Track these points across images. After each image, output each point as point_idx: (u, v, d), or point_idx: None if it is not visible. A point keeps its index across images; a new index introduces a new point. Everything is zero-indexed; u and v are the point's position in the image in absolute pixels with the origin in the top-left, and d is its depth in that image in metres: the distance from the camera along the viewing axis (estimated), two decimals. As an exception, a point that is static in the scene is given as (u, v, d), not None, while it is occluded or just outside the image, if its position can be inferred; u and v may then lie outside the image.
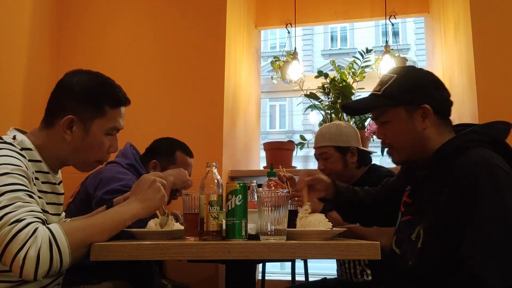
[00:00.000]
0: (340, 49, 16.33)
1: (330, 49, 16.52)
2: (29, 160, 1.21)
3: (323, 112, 3.06)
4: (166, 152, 2.08)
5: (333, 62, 3.32)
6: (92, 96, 1.29)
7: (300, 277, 2.61)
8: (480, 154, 1.21)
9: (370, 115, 1.50)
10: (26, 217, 1.04)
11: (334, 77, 3.08)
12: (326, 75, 3.10)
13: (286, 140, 3.21)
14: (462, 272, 1.11)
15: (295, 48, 3.40)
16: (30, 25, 2.58)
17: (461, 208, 1.16)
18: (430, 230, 1.24)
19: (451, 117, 1.39)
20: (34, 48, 2.62)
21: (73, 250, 1.07)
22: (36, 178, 1.22)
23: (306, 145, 3.11)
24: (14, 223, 1.02)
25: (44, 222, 1.08)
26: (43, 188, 1.26)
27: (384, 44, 3.26)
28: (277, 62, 3.40)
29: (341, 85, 2.99)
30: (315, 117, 3.34)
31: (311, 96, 3.09)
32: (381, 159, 3.05)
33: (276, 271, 3.56)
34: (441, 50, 3.07)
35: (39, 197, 1.20)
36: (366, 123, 2.92)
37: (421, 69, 1.45)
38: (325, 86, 3.06)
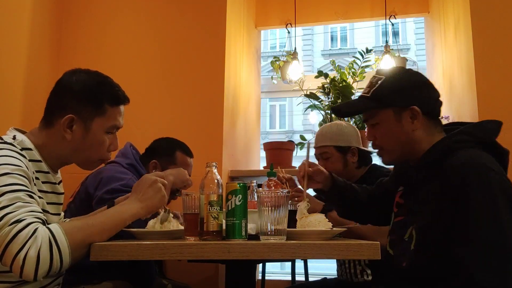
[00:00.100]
0: (340, 49, 16.33)
1: (330, 49, 16.53)
2: (30, 160, 1.21)
3: (323, 112, 3.06)
4: (166, 152, 2.08)
5: (333, 62, 3.32)
6: (91, 94, 1.29)
7: (300, 277, 2.61)
8: (468, 155, 1.21)
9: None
10: (26, 217, 1.04)
11: (334, 77, 3.08)
12: (326, 75, 3.10)
13: (286, 140, 3.21)
14: (458, 273, 1.11)
15: (295, 48, 3.40)
16: (30, 25, 2.58)
17: (452, 209, 1.16)
18: (422, 231, 1.25)
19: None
20: (34, 48, 2.62)
21: (73, 250, 1.07)
22: (37, 178, 1.22)
23: (306, 145, 3.11)
24: (14, 223, 1.02)
25: (44, 222, 1.08)
26: (44, 188, 1.26)
27: (384, 44, 3.26)
28: (277, 62, 3.40)
29: (341, 85, 2.99)
30: (315, 117, 3.34)
31: (311, 96, 3.09)
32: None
33: (276, 271, 3.57)
34: (441, 50, 3.07)
35: (40, 197, 1.20)
36: (366, 123, 2.91)
37: (409, 70, 1.45)
38: (325, 86, 3.06)
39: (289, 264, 2.60)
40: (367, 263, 1.87)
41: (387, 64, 3.13)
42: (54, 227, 1.07)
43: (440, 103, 1.39)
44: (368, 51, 3.14)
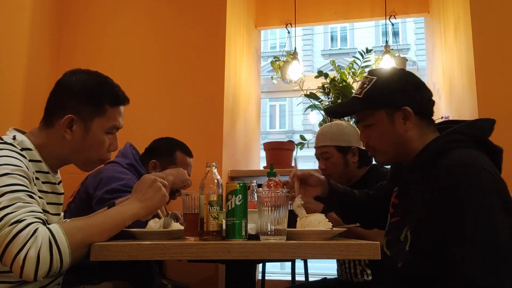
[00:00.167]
0: (340, 49, 16.33)
1: (330, 49, 16.53)
2: (30, 160, 1.21)
3: (323, 112, 3.06)
4: (166, 152, 2.09)
5: (333, 62, 3.32)
6: (91, 95, 1.29)
7: (300, 277, 2.61)
8: (460, 155, 1.20)
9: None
10: (26, 217, 1.04)
11: (334, 77, 3.08)
12: (326, 75, 3.10)
13: (286, 140, 3.21)
14: (453, 274, 1.11)
15: (295, 48, 3.40)
16: (30, 25, 2.58)
17: (445, 210, 1.16)
18: (417, 232, 1.25)
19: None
20: (34, 48, 2.62)
21: (73, 250, 1.07)
22: (37, 178, 1.22)
23: (306, 145, 3.11)
24: (14, 223, 1.02)
25: (45, 222, 1.08)
26: (44, 188, 1.26)
27: (384, 44, 3.26)
28: (277, 62, 3.40)
29: (341, 85, 2.99)
30: (315, 117, 3.34)
31: (311, 96, 3.09)
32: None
33: (276, 271, 3.57)
34: (441, 50, 3.07)
35: (40, 197, 1.20)
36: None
37: (401, 71, 1.45)
38: (325, 86, 3.06)
39: (289, 264, 2.60)
40: (367, 263, 1.87)
41: (387, 64, 3.13)
42: (54, 227, 1.07)
43: (433, 103, 1.39)
44: (368, 51, 3.14)
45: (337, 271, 2.03)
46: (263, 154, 3.23)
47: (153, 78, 2.83)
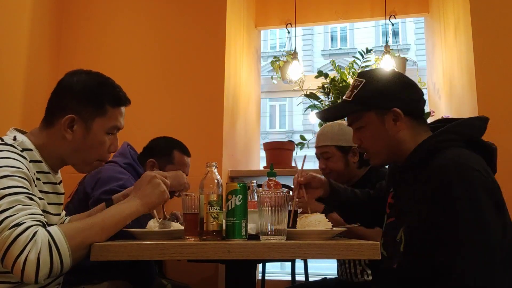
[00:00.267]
0: (340, 49, 16.34)
1: (330, 49, 16.53)
2: (30, 161, 1.20)
3: (323, 112, 3.05)
4: (164, 151, 2.08)
5: (333, 62, 3.32)
6: (92, 95, 1.29)
7: (300, 277, 2.61)
8: (453, 155, 1.20)
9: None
10: (25, 220, 1.04)
11: (334, 77, 3.08)
12: (326, 75, 3.10)
13: (286, 140, 3.21)
14: (444, 276, 1.10)
15: (295, 48, 3.40)
16: (30, 25, 2.58)
17: (436, 210, 1.16)
18: (410, 233, 1.25)
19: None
20: (34, 48, 2.62)
21: (74, 252, 1.07)
22: (38, 179, 1.22)
23: (306, 145, 3.11)
24: (14, 227, 1.02)
25: (45, 225, 1.08)
26: (45, 188, 1.26)
27: (384, 44, 3.26)
28: (277, 62, 3.40)
29: (341, 85, 2.99)
30: (315, 117, 3.34)
31: (311, 96, 3.09)
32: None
33: (276, 271, 3.57)
34: (441, 50, 3.07)
35: (41, 198, 1.20)
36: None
37: (390, 72, 1.45)
38: (325, 86, 3.06)
39: (289, 264, 2.60)
40: (367, 263, 1.87)
41: (387, 64, 3.13)
42: (54, 229, 1.06)
43: (424, 102, 1.39)
44: (368, 51, 3.14)
45: (337, 271, 2.03)
46: (263, 154, 3.23)
47: (153, 78, 2.83)
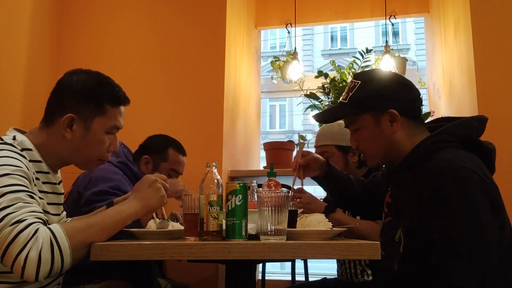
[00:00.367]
0: (340, 49, 16.34)
1: (330, 49, 16.53)
2: (30, 161, 1.20)
3: (323, 112, 3.05)
4: (159, 148, 2.08)
5: (333, 62, 3.32)
6: (91, 94, 1.29)
7: (300, 277, 2.61)
8: (448, 156, 1.19)
9: None
10: (27, 217, 1.04)
11: (334, 77, 3.08)
12: (326, 75, 3.10)
13: (286, 140, 3.21)
14: (441, 279, 1.10)
15: (295, 48, 3.40)
16: (30, 25, 2.58)
17: (432, 212, 1.15)
18: (409, 233, 1.25)
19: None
20: (34, 48, 2.62)
21: (74, 251, 1.07)
22: (37, 179, 1.22)
23: (306, 145, 3.11)
24: (15, 223, 1.01)
25: (45, 223, 1.08)
26: (44, 188, 1.26)
27: (384, 44, 3.26)
28: (277, 62, 3.40)
29: (341, 85, 2.99)
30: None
31: (311, 96, 3.09)
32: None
33: (276, 271, 3.57)
34: (441, 50, 3.07)
35: (40, 198, 1.20)
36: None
37: (385, 73, 1.45)
38: (325, 86, 3.06)
39: (289, 264, 2.60)
40: (368, 263, 1.87)
41: (387, 64, 3.13)
42: (55, 227, 1.07)
43: (420, 102, 1.38)
44: (368, 51, 3.14)
45: (337, 271, 2.03)
46: (263, 154, 3.23)
47: (153, 78, 2.83)
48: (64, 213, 1.45)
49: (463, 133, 1.26)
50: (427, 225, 1.16)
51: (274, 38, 13.85)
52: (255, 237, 1.23)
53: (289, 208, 1.22)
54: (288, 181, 2.54)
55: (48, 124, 1.29)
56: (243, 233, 1.18)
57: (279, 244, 1.12)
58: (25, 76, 2.52)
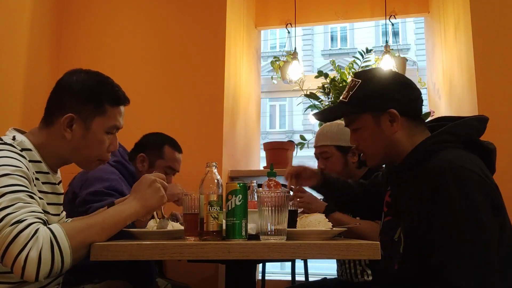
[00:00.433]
0: (340, 49, 16.33)
1: (330, 49, 16.53)
2: (29, 161, 1.20)
3: (323, 112, 3.05)
4: (155, 146, 2.07)
5: (333, 62, 3.32)
6: (91, 94, 1.29)
7: (300, 277, 2.61)
8: (449, 157, 1.19)
9: None
10: (27, 217, 1.04)
11: (334, 77, 3.08)
12: (326, 75, 3.10)
13: (286, 140, 3.21)
14: (441, 279, 1.10)
15: (295, 48, 3.40)
16: (30, 25, 2.58)
17: (433, 212, 1.15)
18: (409, 234, 1.24)
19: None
20: (34, 48, 2.62)
21: (74, 251, 1.07)
22: (37, 179, 1.22)
23: (306, 145, 3.11)
24: (15, 224, 1.01)
25: (45, 223, 1.08)
26: (44, 188, 1.26)
27: (384, 44, 3.26)
28: (277, 62, 3.40)
29: (341, 85, 2.99)
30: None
31: (311, 96, 3.09)
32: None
33: (276, 271, 3.57)
34: (441, 50, 3.07)
35: (40, 198, 1.20)
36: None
37: (386, 72, 1.44)
38: (325, 86, 3.06)
39: (289, 264, 2.60)
40: (368, 263, 1.86)
41: (387, 64, 3.13)
42: (55, 227, 1.06)
43: (421, 102, 1.37)
44: (368, 51, 3.14)
45: (337, 271, 2.03)
46: (263, 154, 3.23)
47: (153, 78, 2.83)
48: (64, 213, 1.45)
49: (464, 133, 1.26)
50: (427, 225, 1.16)
51: (274, 38, 13.85)
52: (255, 237, 1.23)
53: (289, 208, 1.22)
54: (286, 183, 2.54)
55: (48, 124, 1.29)
56: (243, 233, 1.18)
57: (279, 244, 1.12)
58: (25, 76, 2.52)
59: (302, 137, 3.18)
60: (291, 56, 3.31)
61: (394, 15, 3.36)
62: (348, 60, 3.25)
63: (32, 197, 1.10)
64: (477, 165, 1.18)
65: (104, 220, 1.17)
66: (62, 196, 1.38)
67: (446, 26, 2.93)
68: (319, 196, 1.87)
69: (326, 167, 2.03)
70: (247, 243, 1.13)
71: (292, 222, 1.31)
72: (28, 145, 1.23)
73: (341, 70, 3.12)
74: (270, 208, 1.16)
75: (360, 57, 3.14)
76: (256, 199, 1.27)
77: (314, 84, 3.23)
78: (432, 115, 2.94)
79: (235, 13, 3.03)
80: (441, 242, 1.13)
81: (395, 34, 3.94)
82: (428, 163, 1.21)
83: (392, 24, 3.39)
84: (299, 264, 2.68)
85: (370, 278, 1.85)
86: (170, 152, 2.08)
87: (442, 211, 1.14)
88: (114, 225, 1.18)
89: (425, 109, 3.06)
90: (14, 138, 1.21)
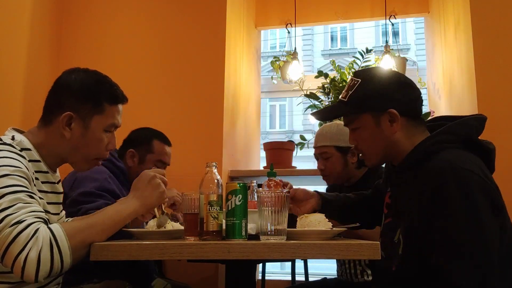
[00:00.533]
0: (340, 49, 16.33)
1: (330, 49, 16.53)
2: (29, 161, 1.20)
3: (323, 112, 3.05)
4: (143, 141, 2.06)
5: (333, 62, 3.31)
6: (90, 93, 1.30)
7: (300, 277, 2.61)
8: (448, 157, 1.19)
9: None
10: (26, 218, 1.04)
11: (334, 77, 3.08)
12: (326, 75, 3.10)
13: (286, 140, 3.21)
14: (440, 280, 1.10)
15: (295, 48, 3.40)
16: (30, 25, 2.58)
17: (432, 213, 1.15)
18: (408, 235, 1.24)
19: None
20: (34, 48, 2.62)
21: (74, 251, 1.07)
22: (36, 178, 1.22)
23: (306, 145, 3.11)
24: (15, 224, 1.02)
25: (46, 222, 1.08)
26: (43, 188, 1.26)
27: (384, 44, 3.26)
28: (277, 62, 3.40)
29: (341, 85, 2.99)
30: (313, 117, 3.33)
31: (311, 96, 3.09)
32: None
33: (276, 271, 3.57)
34: (441, 50, 3.07)
35: (40, 198, 1.20)
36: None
37: (387, 71, 1.43)
38: (325, 86, 3.06)
39: (289, 264, 2.60)
40: (367, 263, 1.87)
41: (387, 64, 3.13)
42: (55, 227, 1.07)
43: (421, 102, 1.37)
44: (368, 51, 3.14)
45: (337, 271, 2.03)
46: (263, 154, 3.23)
47: (153, 78, 2.83)
48: (64, 212, 1.45)
49: (464, 133, 1.26)
50: (427, 225, 1.16)
51: (274, 38, 13.85)
52: (255, 237, 1.23)
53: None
54: (288, 181, 2.54)
55: (46, 123, 1.29)
56: (243, 233, 1.18)
57: (279, 244, 1.12)
58: (25, 76, 2.52)
59: (302, 137, 3.18)
60: (291, 56, 3.31)
61: (394, 15, 3.36)
62: (348, 60, 3.25)
63: (32, 197, 1.10)
64: (477, 165, 1.18)
65: (104, 220, 1.17)
66: (62, 195, 1.38)
67: (446, 26, 2.93)
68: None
69: (326, 167, 2.03)
70: (247, 243, 1.13)
71: (292, 222, 1.31)
72: (27, 144, 1.23)
73: (341, 70, 3.12)
74: (270, 208, 1.16)
75: (360, 57, 3.14)
76: (256, 199, 1.27)
77: (314, 84, 3.23)
78: (432, 115, 2.94)
79: (235, 13, 3.03)
80: (441, 242, 1.13)
81: (395, 34, 3.94)
82: (428, 163, 1.21)
83: (392, 24, 3.39)
84: (299, 264, 2.68)
85: (370, 278, 1.85)
86: (159, 145, 2.07)
87: (442, 211, 1.13)
88: (114, 225, 1.19)
89: (425, 109, 3.06)
90: (13, 138, 1.21)
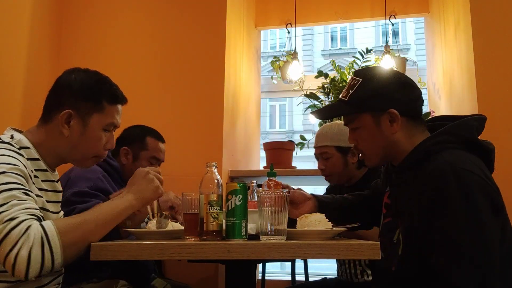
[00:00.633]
0: (340, 49, 16.33)
1: (330, 49, 16.52)
2: (28, 159, 1.20)
3: (323, 112, 3.05)
4: (137, 138, 2.05)
5: (333, 62, 3.31)
6: (90, 92, 1.30)
7: (300, 277, 2.61)
8: (448, 158, 1.19)
9: None
10: (19, 215, 1.04)
11: (334, 77, 3.08)
12: (326, 75, 3.10)
13: (286, 140, 3.21)
14: (440, 280, 1.10)
15: (295, 48, 3.40)
16: (30, 25, 2.58)
17: (432, 213, 1.15)
18: (408, 235, 1.24)
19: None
20: (34, 48, 2.61)
21: (66, 249, 1.06)
22: (36, 177, 1.22)
23: (306, 145, 3.11)
24: (7, 221, 1.02)
25: (40, 219, 1.08)
26: (43, 186, 1.26)
27: (384, 44, 3.26)
28: (277, 62, 3.40)
29: (341, 85, 2.99)
30: (313, 116, 3.33)
31: (311, 96, 3.09)
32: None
33: (276, 271, 3.57)
34: (441, 50, 3.07)
35: (40, 196, 1.20)
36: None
37: (388, 71, 1.43)
38: (325, 86, 3.06)
39: (289, 264, 2.60)
40: (367, 263, 1.87)
41: (387, 64, 3.13)
42: (48, 224, 1.06)
43: (421, 102, 1.37)
44: (368, 51, 3.14)
45: (337, 271, 2.03)
46: (263, 154, 3.23)
47: (153, 78, 2.83)
48: (62, 212, 1.45)
49: (464, 133, 1.26)
50: (427, 225, 1.16)
51: (274, 38, 13.85)
52: (255, 237, 1.23)
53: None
54: (288, 181, 2.54)
55: (46, 122, 1.29)
56: (243, 233, 1.18)
57: (279, 244, 1.12)
58: (25, 76, 2.52)
59: (302, 137, 3.18)
60: (291, 56, 3.31)
61: (394, 15, 3.36)
62: (348, 60, 3.25)
63: (27, 194, 1.10)
64: (477, 166, 1.18)
65: (98, 216, 1.17)
66: (61, 194, 1.38)
67: (446, 26, 2.93)
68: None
69: (326, 167, 2.03)
70: (247, 243, 1.13)
71: (291, 223, 1.31)
72: (26, 143, 1.23)
73: (341, 70, 3.12)
74: (270, 208, 1.16)
75: (360, 57, 3.14)
76: (256, 199, 1.27)
77: (314, 84, 3.23)
78: (432, 115, 2.94)
79: (235, 13, 3.02)
80: (441, 242, 1.13)
81: (395, 34, 3.94)
82: (429, 164, 1.21)
83: (392, 24, 3.39)
84: (299, 264, 2.68)
85: (370, 278, 1.85)
86: (153, 142, 2.07)
87: (442, 211, 1.13)
88: (109, 221, 1.18)
89: (425, 109, 3.05)
90: (12, 137, 1.21)
